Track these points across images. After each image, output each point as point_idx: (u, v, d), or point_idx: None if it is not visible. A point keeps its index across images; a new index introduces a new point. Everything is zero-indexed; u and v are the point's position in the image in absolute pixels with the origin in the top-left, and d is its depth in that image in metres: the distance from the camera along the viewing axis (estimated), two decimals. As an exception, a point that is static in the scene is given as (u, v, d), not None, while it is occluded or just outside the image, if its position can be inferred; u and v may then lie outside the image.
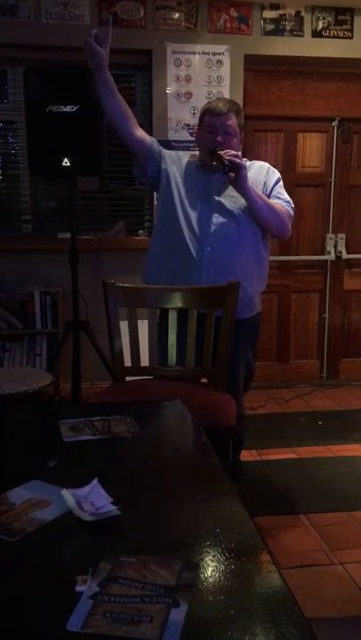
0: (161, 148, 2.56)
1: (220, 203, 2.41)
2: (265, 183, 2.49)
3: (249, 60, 3.94)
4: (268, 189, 2.49)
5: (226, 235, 2.38)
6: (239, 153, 2.38)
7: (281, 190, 2.52)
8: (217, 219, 2.39)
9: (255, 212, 2.39)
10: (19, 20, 3.65)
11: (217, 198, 2.42)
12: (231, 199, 2.41)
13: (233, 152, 2.33)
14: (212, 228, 2.38)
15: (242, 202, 2.40)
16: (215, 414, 2.10)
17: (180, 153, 2.62)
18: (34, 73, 3.15)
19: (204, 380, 2.45)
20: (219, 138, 2.36)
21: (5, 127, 4.00)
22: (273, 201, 2.46)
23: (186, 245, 2.40)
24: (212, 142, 2.37)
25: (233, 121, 2.38)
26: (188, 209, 2.42)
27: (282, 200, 2.49)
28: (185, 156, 2.58)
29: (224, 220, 2.39)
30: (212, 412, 2.09)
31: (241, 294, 2.34)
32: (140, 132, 2.51)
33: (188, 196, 2.44)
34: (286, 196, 2.52)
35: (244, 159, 2.46)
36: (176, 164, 2.52)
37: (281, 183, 2.53)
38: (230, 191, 2.41)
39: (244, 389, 2.65)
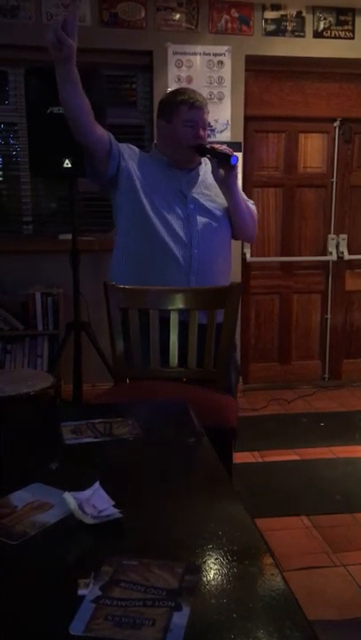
0: (118, 143, 2.38)
1: (196, 201, 2.33)
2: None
3: (250, 61, 3.93)
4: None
5: (210, 236, 2.33)
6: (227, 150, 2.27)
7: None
8: (199, 219, 2.31)
9: (237, 214, 2.34)
10: (19, 21, 3.65)
11: (193, 196, 2.34)
12: (207, 197, 2.35)
13: (225, 146, 2.28)
14: (196, 229, 2.31)
15: (217, 200, 2.35)
16: (216, 415, 2.09)
17: (132, 146, 2.46)
18: (35, 74, 3.15)
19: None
20: (202, 132, 2.28)
21: (6, 128, 4.00)
22: None
23: (169, 249, 2.30)
24: (197, 137, 2.28)
25: (207, 115, 2.33)
26: (162, 209, 2.30)
27: (249, 202, 2.46)
28: (137, 149, 2.45)
29: (205, 219, 2.32)
30: (214, 413, 2.09)
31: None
32: (100, 129, 2.29)
33: (157, 193, 2.31)
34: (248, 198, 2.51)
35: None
36: (133, 158, 2.38)
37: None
38: (203, 188, 2.36)
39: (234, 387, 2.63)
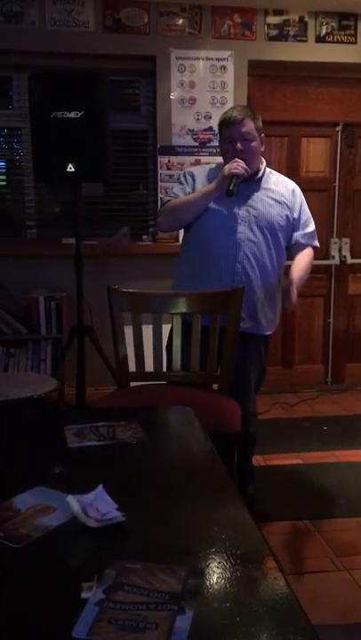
0: (190, 177, 2.52)
1: (248, 218, 2.40)
2: (290, 208, 2.47)
3: (253, 66, 3.94)
4: (294, 217, 2.50)
5: (257, 252, 2.40)
6: (241, 164, 2.32)
7: (307, 220, 2.55)
8: (248, 235, 2.39)
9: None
10: (24, 26, 3.67)
11: (245, 213, 2.40)
12: (259, 212, 2.41)
13: (235, 165, 2.31)
14: (244, 245, 2.39)
15: (267, 215, 2.41)
16: (220, 419, 2.10)
17: (208, 167, 2.58)
18: (38, 79, 3.17)
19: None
20: (238, 145, 2.35)
21: (10, 133, 4.02)
22: (302, 252, 2.54)
23: (217, 265, 2.40)
24: (233, 152, 2.35)
25: (249, 126, 2.36)
26: (215, 225, 2.40)
27: (309, 238, 2.56)
28: (206, 169, 2.55)
29: (253, 236, 2.40)
30: (217, 418, 2.09)
31: (269, 312, 2.50)
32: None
33: (214, 210, 2.40)
34: (312, 226, 2.57)
35: (267, 169, 2.49)
36: (203, 182, 2.48)
37: (305, 207, 2.55)
38: (258, 204, 2.41)
39: (256, 387, 2.64)
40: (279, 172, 2.62)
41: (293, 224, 2.50)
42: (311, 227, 2.57)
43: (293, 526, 2.51)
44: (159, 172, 3.92)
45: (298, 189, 2.54)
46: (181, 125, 3.90)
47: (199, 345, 2.36)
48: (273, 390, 4.33)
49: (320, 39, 4.00)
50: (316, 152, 4.30)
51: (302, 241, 2.54)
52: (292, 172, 4.25)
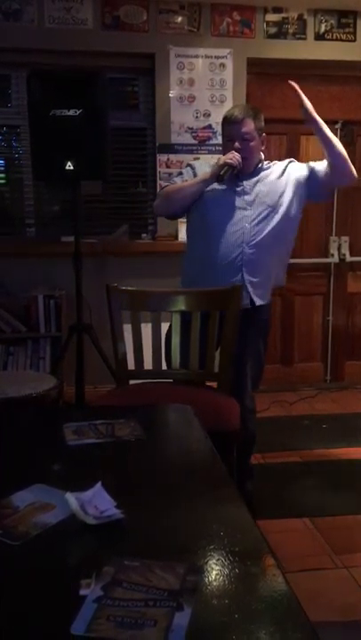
0: (190, 168, 2.60)
1: (252, 206, 2.46)
2: (296, 179, 2.53)
3: (252, 64, 3.94)
4: (310, 168, 2.58)
5: (263, 239, 2.45)
6: (237, 156, 2.40)
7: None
8: (253, 224, 2.45)
9: (327, 149, 2.57)
10: (22, 24, 3.67)
11: (249, 201, 2.46)
12: (263, 202, 2.47)
13: (231, 155, 2.39)
14: (250, 233, 2.45)
15: (273, 204, 2.47)
16: (219, 418, 2.10)
17: (203, 163, 2.69)
18: (37, 77, 3.16)
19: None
20: (237, 144, 2.42)
21: (9, 131, 4.01)
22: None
23: (224, 253, 2.45)
24: (234, 150, 2.42)
25: (249, 126, 2.43)
26: (219, 216, 2.46)
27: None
28: (211, 163, 2.61)
29: (259, 224, 2.46)
30: (216, 416, 2.09)
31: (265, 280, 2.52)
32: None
33: (217, 201, 2.47)
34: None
35: (266, 162, 2.56)
36: (202, 171, 2.54)
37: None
38: (262, 196, 2.48)
39: (254, 382, 2.65)
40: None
41: (310, 173, 2.57)
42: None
43: (292, 524, 2.51)
44: (158, 169, 3.91)
45: (295, 161, 2.63)
46: (180, 123, 3.90)
47: (198, 341, 2.36)
48: (272, 388, 4.33)
49: (319, 37, 3.99)
50: (315, 150, 4.27)
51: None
52: (291, 170, 4.25)
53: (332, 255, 4.38)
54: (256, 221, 2.45)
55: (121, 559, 0.93)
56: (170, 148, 3.90)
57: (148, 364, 2.42)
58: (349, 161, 2.54)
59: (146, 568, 0.90)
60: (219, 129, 3.89)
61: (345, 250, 4.38)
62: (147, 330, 2.40)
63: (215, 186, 2.46)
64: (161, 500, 1.18)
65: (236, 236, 2.45)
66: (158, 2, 3.78)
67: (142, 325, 2.42)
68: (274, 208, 2.47)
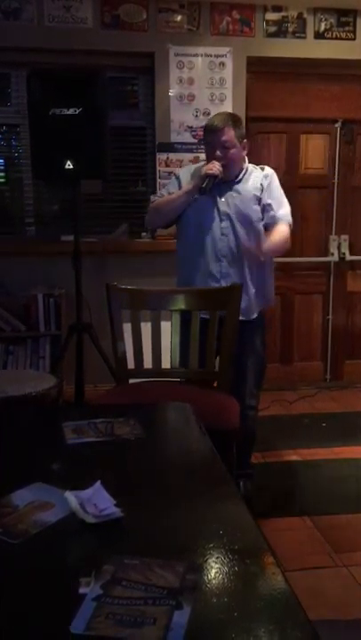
0: (176, 179, 2.67)
1: (229, 215, 2.51)
2: (262, 196, 2.55)
3: (251, 62, 3.94)
4: (267, 202, 2.56)
5: (238, 245, 2.50)
6: (217, 165, 2.46)
7: (279, 202, 2.58)
8: (229, 230, 2.51)
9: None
10: (22, 23, 3.66)
11: (227, 210, 2.52)
12: (240, 209, 2.51)
13: (211, 166, 2.46)
14: (226, 238, 2.51)
15: (250, 211, 2.51)
16: (218, 416, 2.10)
17: (194, 166, 2.73)
18: (37, 76, 3.16)
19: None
20: (218, 152, 2.48)
21: (9, 130, 4.01)
22: (275, 227, 2.54)
23: (204, 258, 2.53)
24: (213, 158, 2.49)
25: (229, 135, 2.48)
26: (199, 221, 2.54)
27: (281, 219, 2.56)
28: (192, 168, 2.68)
29: (234, 230, 2.50)
30: (216, 414, 2.09)
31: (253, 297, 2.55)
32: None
33: (198, 207, 2.54)
34: (285, 208, 2.59)
35: (249, 167, 2.59)
36: (186, 179, 2.61)
37: (276, 190, 2.60)
38: (239, 202, 2.52)
39: (257, 381, 2.66)
40: (278, 168, 2.64)
41: (267, 208, 2.56)
42: (285, 208, 2.61)
43: (292, 522, 2.51)
44: (158, 168, 3.91)
45: (270, 174, 2.62)
46: (180, 122, 3.89)
47: (198, 341, 2.36)
48: (272, 387, 4.32)
49: (319, 36, 3.99)
50: (315, 149, 4.30)
51: (277, 216, 2.57)
52: (291, 168, 4.25)
53: (332, 254, 4.38)
54: (231, 233, 2.51)
55: (120, 558, 0.93)
56: (169, 147, 3.90)
57: (147, 363, 2.43)
58: (283, 247, 2.59)
59: (145, 566, 0.91)
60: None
61: (345, 249, 4.38)
62: (146, 329, 2.41)
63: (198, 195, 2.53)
64: (160, 499, 1.18)
65: (214, 247, 2.52)
66: (158, 1, 3.78)
67: (142, 324, 2.42)
68: (249, 221, 2.51)
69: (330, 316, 4.46)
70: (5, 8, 3.64)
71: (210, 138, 2.51)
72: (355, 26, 4.02)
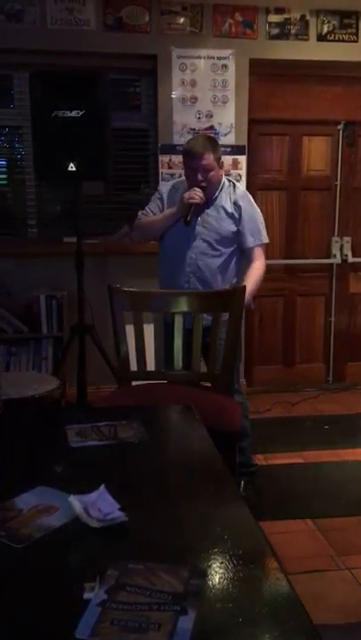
0: (159, 196, 2.84)
1: (200, 232, 2.69)
2: (236, 220, 2.70)
3: (254, 64, 3.94)
4: (239, 229, 2.71)
5: (208, 261, 2.68)
6: (199, 194, 2.60)
7: (251, 226, 2.72)
8: (200, 246, 2.68)
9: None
10: (25, 25, 3.67)
11: (199, 229, 2.69)
12: (212, 227, 2.69)
13: (193, 194, 2.60)
14: (195, 255, 2.68)
15: (222, 231, 2.69)
16: (221, 418, 2.10)
17: (174, 182, 2.95)
18: (39, 78, 3.16)
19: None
20: (199, 175, 2.63)
21: (11, 132, 4.01)
22: (249, 264, 2.72)
23: (176, 271, 2.70)
24: (195, 180, 2.63)
25: (208, 159, 2.63)
26: (173, 238, 2.72)
27: (254, 248, 2.72)
28: (176, 185, 2.85)
29: (205, 247, 2.68)
30: (218, 416, 2.09)
31: None
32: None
33: (175, 227, 2.70)
34: (258, 232, 2.74)
35: (225, 183, 2.76)
36: (173, 197, 2.77)
37: (248, 213, 2.72)
38: (212, 220, 2.70)
39: (237, 375, 2.76)
40: (280, 170, 2.66)
41: (241, 233, 2.72)
42: (257, 232, 2.75)
43: (295, 525, 2.51)
44: (160, 170, 3.91)
45: (242, 197, 2.75)
46: (183, 124, 3.89)
47: (200, 344, 2.36)
48: (274, 389, 4.33)
49: (321, 38, 3.99)
50: (317, 151, 4.29)
51: (250, 245, 2.73)
52: (293, 170, 4.25)
53: (335, 256, 4.38)
54: (202, 252, 2.67)
55: (125, 562, 0.93)
56: (172, 149, 3.90)
57: (150, 364, 2.42)
58: (261, 279, 2.75)
59: (150, 571, 0.90)
60: (221, 130, 3.92)
61: (347, 250, 4.38)
62: (149, 330, 2.40)
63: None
64: (164, 503, 1.18)
65: (185, 264, 2.69)
66: (160, 3, 3.78)
67: (144, 326, 2.42)
68: (222, 237, 2.68)
69: (332, 318, 4.46)
70: (8, 10, 3.65)
71: (191, 163, 2.65)
72: (357, 28, 4.02)
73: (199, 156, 2.61)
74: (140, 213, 2.89)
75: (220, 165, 2.73)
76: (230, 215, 2.69)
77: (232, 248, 2.72)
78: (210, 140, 2.79)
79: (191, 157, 2.65)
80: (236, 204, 2.70)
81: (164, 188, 2.88)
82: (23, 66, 3.75)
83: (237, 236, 2.71)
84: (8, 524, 1.07)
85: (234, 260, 2.75)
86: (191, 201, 2.59)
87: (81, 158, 3.15)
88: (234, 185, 2.78)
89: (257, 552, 0.99)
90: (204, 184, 2.63)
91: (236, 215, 2.69)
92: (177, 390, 2.36)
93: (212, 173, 2.64)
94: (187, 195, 2.61)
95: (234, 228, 2.69)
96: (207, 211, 2.69)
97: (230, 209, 2.70)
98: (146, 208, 2.85)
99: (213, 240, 2.68)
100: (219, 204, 2.71)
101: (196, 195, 2.60)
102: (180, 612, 0.81)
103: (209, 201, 2.69)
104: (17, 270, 3.80)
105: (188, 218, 2.60)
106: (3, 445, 1.48)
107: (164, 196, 2.80)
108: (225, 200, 2.72)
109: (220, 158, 2.74)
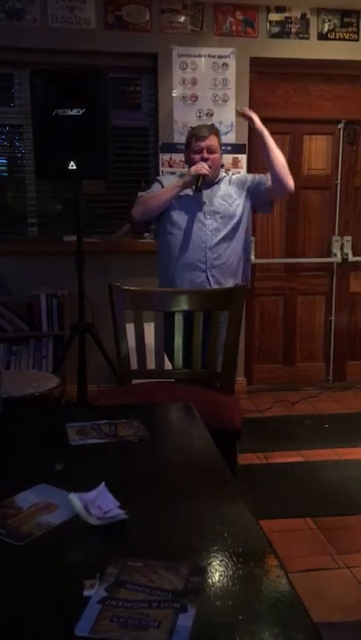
0: (158, 182, 3.01)
1: (212, 213, 2.86)
2: (241, 187, 2.94)
3: (255, 63, 3.93)
4: (250, 181, 2.96)
5: (223, 240, 2.85)
6: (205, 166, 2.81)
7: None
8: (214, 227, 2.85)
9: (271, 159, 2.89)
10: (25, 23, 3.67)
11: (210, 209, 2.86)
12: (223, 207, 2.87)
13: (200, 167, 2.79)
14: (211, 235, 2.84)
15: (231, 210, 2.87)
16: (221, 417, 2.10)
17: (173, 176, 3.09)
18: (40, 76, 3.16)
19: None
20: (205, 154, 2.85)
21: (12, 130, 4.01)
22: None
23: (188, 254, 2.84)
24: (203, 160, 2.84)
25: (213, 140, 2.89)
26: (184, 221, 2.86)
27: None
28: (178, 175, 3.06)
29: (219, 227, 2.85)
30: (218, 415, 2.09)
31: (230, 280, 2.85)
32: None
33: (182, 208, 2.87)
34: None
35: (227, 171, 3.05)
36: (168, 183, 2.94)
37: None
38: (221, 200, 2.87)
39: None
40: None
41: (255, 182, 2.96)
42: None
43: (294, 524, 2.51)
44: (161, 169, 3.91)
45: (236, 175, 3.04)
46: (183, 123, 3.89)
47: (201, 342, 2.36)
48: (274, 388, 4.33)
49: (322, 36, 3.99)
50: (318, 150, 4.29)
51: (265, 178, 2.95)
52: (293, 169, 4.22)
53: (335, 255, 4.38)
54: (215, 229, 2.84)
55: (125, 560, 0.93)
56: (172, 148, 3.90)
57: (150, 363, 2.43)
58: (290, 175, 2.92)
59: (149, 569, 0.91)
60: (222, 129, 3.91)
61: (348, 249, 4.38)
62: (149, 329, 2.41)
63: (181, 195, 2.86)
64: (164, 500, 1.18)
65: (199, 242, 2.84)
66: (161, 1, 3.78)
67: (145, 325, 2.42)
68: (230, 216, 2.86)
69: (332, 317, 4.46)
70: (9, 8, 3.65)
71: (198, 143, 2.86)
72: (358, 26, 4.01)
73: (206, 137, 2.86)
74: (140, 193, 3.02)
75: (221, 156, 2.97)
76: (236, 192, 2.89)
77: (241, 227, 2.90)
78: (215, 127, 3.06)
79: (198, 138, 2.87)
80: (231, 181, 2.94)
81: (163, 177, 3.11)
82: (24, 64, 3.75)
83: (257, 184, 2.92)
84: (8, 521, 1.07)
85: (244, 233, 2.93)
86: (200, 172, 2.78)
87: (81, 157, 3.15)
88: (231, 175, 3.02)
89: (257, 550, 0.99)
90: (209, 163, 2.82)
91: (245, 180, 2.94)
92: (177, 389, 2.36)
93: (215, 155, 2.87)
94: (193, 168, 2.80)
95: (242, 197, 2.89)
96: (212, 192, 2.87)
97: (236, 185, 2.91)
98: (148, 190, 3.00)
99: (223, 216, 2.85)
100: (223, 187, 2.91)
101: (204, 167, 2.79)
102: (180, 609, 0.82)
103: (213, 184, 2.88)
104: (17, 269, 3.80)
105: (199, 184, 2.77)
106: (3, 443, 1.48)
107: (163, 181, 2.98)
108: (227, 183, 2.93)
109: (221, 147, 2.98)
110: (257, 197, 2.97)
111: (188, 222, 2.85)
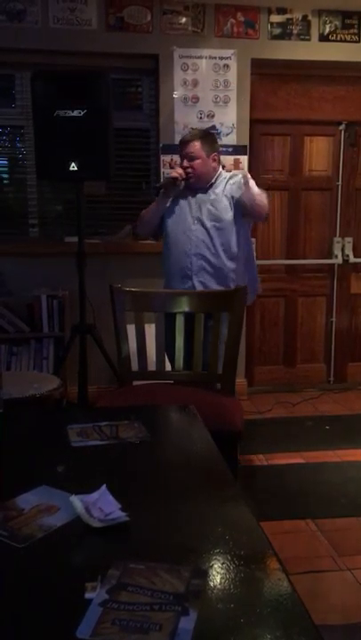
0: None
1: (200, 219, 2.85)
2: (233, 196, 2.85)
3: (256, 64, 3.94)
4: (238, 194, 2.84)
5: (209, 245, 2.83)
6: (179, 170, 2.85)
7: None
8: (201, 232, 2.84)
9: (246, 208, 2.76)
10: (26, 24, 3.67)
11: (198, 216, 2.85)
12: (211, 214, 2.84)
13: (171, 170, 2.92)
14: (197, 240, 2.83)
15: (220, 215, 2.83)
16: (222, 419, 2.10)
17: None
18: (41, 77, 3.16)
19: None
20: (185, 162, 2.86)
21: (13, 131, 4.01)
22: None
23: (178, 258, 2.86)
24: (180, 166, 2.88)
25: (194, 147, 2.86)
26: (175, 225, 2.89)
27: (261, 196, 2.78)
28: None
29: (205, 232, 2.83)
30: (219, 416, 2.09)
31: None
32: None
33: (175, 212, 2.91)
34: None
35: (222, 174, 2.92)
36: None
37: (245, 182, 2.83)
38: (209, 205, 2.85)
39: None
40: (282, 170, 2.69)
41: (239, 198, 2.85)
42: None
43: (295, 525, 2.51)
44: (162, 170, 3.91)
45: (233, 177, 2.91)
46: (184, 124, 3.89)
47: (202, 343, 2.36)
48: (275, 389, 4.33)
49: (323, 38, 3.99)
50: (319, 151, 4.29)
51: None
52: (294, 170, 4.25)
53: (336, 256, 4.38)
54: (201, 234, 2.83)
55: (126, 562, 0.93)
56: (173, 149, 3.89)
57: (151, 364, 2.43)
58: (264, 205, 2.76)
59: (151, 571, 0.90)
60: (223, 130, 3.92)
61: (348, 251, 4.38)
62: (150, 330, 2.40)
63: (175, 200, 2.90)
64: (165, 502, 1.18)
65: (185, 248, 2.85)
66: (162, 2, 3.78)
67: (146, 326, 2.42)
68: (218, 222, 2.82)
69: (333, 318, 4.46)
70: (10, 10, 3.65)
71: (180, 149, 2.91)
72: (359, 28, 4.01)
73: (186, 143, 2.88)
74: (143, 212, 3.07)
75: (213, 158, 2.89)
76: (229, 199, 2.83)
77: (233, 233, 2.85)
78: (203, 132, 3.01)
79: (180, 144, 2.93)
80: (226, 187, 2.87)
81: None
82: (25, 65, 3.75)
83: (238, 210, 2.82)
84: (9, 523, 1.07)
85: (234, 239, 2.86)
86: (170, 175, 2.86)
87: (82, 158, 3.15)
88: (232, 175, 2.94)
89: (259, 553, 0.99)
90: (189, 170, 2.83)
91: (230, 193, 2.84)
92: (178, 390, 2.36)
93: (197, 162, 2.84)
94: (168, 171, 2.91)
95: (231, 211, 2.82)
96: (203, 198, 2.86)
97: (228, 193, 2.85)
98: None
99: (212, 223, 2.82)
100: (215, 192, 2.87)
101: (176, 171, 2.85)
102: (182, 612, 0.81)
103: (204, 189, 2.87)
104: (18, 270, 3.80)
105: (158, 185, 2.92)
106: (4, 445, 1.48)
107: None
108: (222, 187, 2.88)
109: (214, 152, 2.90)
110: (242, 211, 2.89)
111: (178, 229, 2.88)
